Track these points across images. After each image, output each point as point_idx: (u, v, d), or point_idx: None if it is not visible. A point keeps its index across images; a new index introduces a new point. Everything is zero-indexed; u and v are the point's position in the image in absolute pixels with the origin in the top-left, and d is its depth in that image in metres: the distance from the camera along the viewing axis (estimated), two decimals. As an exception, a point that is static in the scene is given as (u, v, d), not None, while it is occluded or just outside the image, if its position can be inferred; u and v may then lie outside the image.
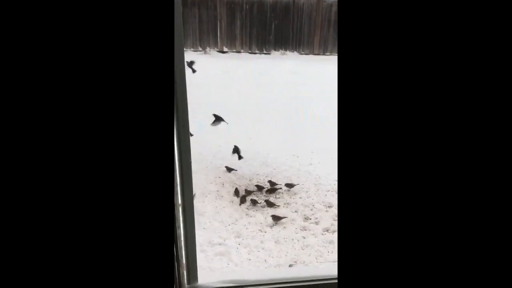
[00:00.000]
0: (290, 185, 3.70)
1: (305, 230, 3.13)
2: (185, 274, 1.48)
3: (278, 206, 3.42)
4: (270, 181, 3.79)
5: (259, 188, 3.69)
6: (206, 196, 3.55)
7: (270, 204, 3.42)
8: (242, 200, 3.48)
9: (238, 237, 3.00)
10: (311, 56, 10.35)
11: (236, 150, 3.98)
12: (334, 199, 3.57)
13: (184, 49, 1.15)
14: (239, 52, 10.39)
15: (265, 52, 10.43)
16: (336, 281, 1.54)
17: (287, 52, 10.45)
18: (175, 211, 1.30)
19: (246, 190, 3.63)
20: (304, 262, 2.77)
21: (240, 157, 3.96)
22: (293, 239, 3.01)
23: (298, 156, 4.40)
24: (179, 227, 1.38)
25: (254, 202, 3.47)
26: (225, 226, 3.13)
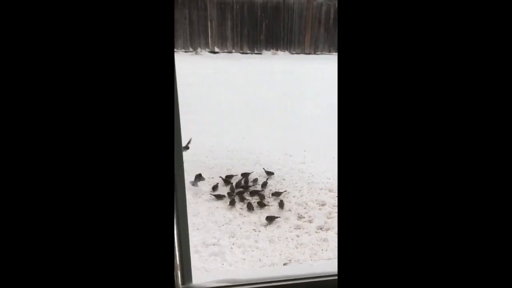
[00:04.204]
0: (277, 193, 3.59)
1: (299, 228, 3.14)
2: (179, 274, 1.48)
3: (268, 203, 3.43)
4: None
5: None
6: (200, 197, 3.54)
7: (262, 205, 3.40)
8: (232, 202, 3.45)
9: (232, 237, 3.01)
10: (302, 56, 10.37)
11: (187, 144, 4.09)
12: (327, 197, 3.58)
13: (175, 50, 1.15)
14: (230, 52, 10.37)
15: (256, 52, 10.43)
16: (331, 278, 1.56)
17: (278, 51, 10.46)
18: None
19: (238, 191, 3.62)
20: (298, 260, 2.78)
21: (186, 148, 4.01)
22: (287, 238, 3.02)
23: (291, 155, 4.41)
24: (172, 228, 1.37)
25: (242, 199, 3.48)
26: (219, 227, 3.13)
